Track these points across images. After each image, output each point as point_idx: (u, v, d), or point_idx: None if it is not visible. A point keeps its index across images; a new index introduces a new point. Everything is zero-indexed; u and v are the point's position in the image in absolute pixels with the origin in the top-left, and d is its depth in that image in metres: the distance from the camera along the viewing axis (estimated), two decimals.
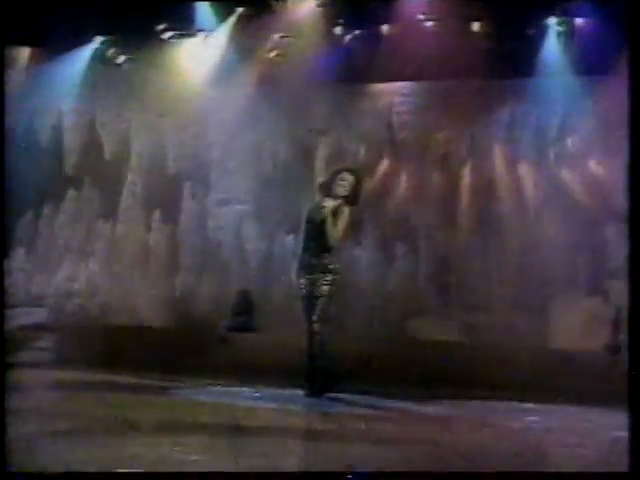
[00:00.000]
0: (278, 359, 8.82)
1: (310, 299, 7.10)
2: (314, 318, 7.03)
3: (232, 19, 11.19)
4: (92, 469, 3.62)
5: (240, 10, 11.09)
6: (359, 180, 7.52)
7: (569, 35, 10.41)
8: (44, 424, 5.10)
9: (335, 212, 7.23)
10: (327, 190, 7.40)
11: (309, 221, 7.35)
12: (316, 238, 7.20)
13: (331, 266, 7.10)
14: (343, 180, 7.38)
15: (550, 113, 11.08)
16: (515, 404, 7.45)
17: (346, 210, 7.34)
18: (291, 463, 4.14)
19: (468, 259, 11.16)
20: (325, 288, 7.00)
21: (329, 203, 7.25)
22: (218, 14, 11.19)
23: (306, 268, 7.14)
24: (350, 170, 7.67)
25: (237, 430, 5.25)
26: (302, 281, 7.17)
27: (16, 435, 4.27)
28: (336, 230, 7.18)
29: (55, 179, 12.10)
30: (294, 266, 7.53)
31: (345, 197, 7.37)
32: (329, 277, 7.02)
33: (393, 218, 11.50)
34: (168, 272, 11.90)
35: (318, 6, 10.84)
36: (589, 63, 10.17)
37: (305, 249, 7.33)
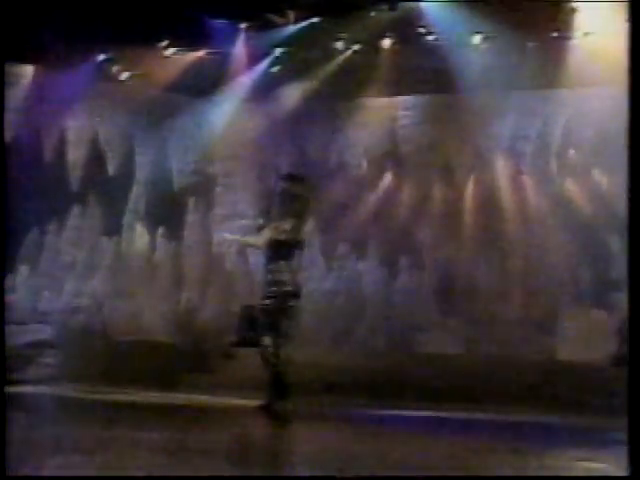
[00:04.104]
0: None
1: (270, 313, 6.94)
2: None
3: (235, 34, 11.24)
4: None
5: (243, 25, 11.14)
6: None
7: (569, 48, 10.43)
8: (46, 439, 5.10)
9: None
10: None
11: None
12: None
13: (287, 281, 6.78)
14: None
15: (552, 125, 11.10)
16: (519, 416, 7.43)
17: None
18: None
19: (472, 272, 11.15)
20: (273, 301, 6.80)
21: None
22: (221, 30, 11.23)
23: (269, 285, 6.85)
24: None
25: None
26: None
27: (17, 446, 4.28)
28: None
29: (60, 195, 12.12)
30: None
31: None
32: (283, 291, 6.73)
33: (396, 232, 11.51)
34: (172, 288, 11.91)
35: (320, 21, 10.88)
36: (589, 75, 10.19)
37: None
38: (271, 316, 6.88)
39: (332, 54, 11.17)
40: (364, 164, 11.78)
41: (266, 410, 6.78)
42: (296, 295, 6.86)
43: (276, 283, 6.80)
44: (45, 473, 3.80)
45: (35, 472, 3.78)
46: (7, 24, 9.39)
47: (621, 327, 9.37)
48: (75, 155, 12.08)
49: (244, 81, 11.44)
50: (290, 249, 6.79)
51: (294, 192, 6.92)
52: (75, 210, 12.19)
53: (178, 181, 12.15)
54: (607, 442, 5.98)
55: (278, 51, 11.32)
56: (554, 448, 5.52)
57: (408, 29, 10.78)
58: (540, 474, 4.24)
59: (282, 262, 6.79)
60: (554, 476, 4.17)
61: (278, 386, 6.85)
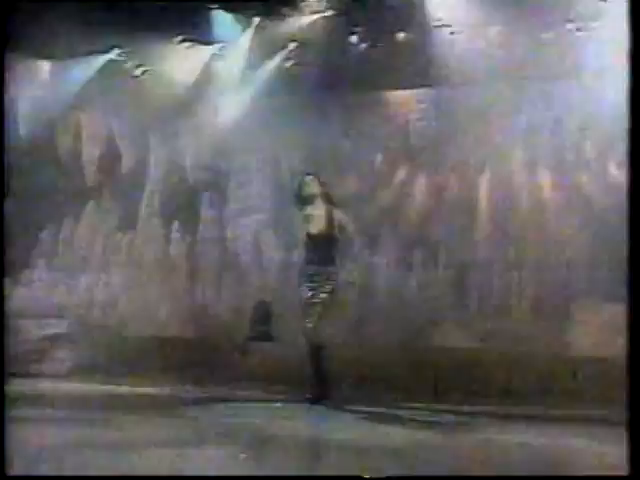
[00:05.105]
0: (297, 369, 8.80)
1: (310, 306, 7.18)
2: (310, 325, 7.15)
3: (248, 29, 11.23)
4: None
5: (256, 20, 11.13)
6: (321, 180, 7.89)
7: (584, 38, 10.34)
8: (60, 434, 5.12)
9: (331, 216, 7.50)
10: (302, 200, 7.61)
11: (312, 236, 7.40)
12: (321, 249, 7.30)
13: (333, 274, 7.21)
14: (308, 185, 7.78)
15: (568, 117, 11.01)
16: (534, 411, 7.39)
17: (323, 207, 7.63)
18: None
19: (486, 266, 11.08)
20: (324, 295, 7.08)
21: (315, 211, 7.46)
22: (235, 24, 11.23)
23: (309, 277, 7.23)
24: (309, 174, 8.08)
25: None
26: (303, 289, 7.24)
27: (24, 443, 4.29)
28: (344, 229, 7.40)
29: (75, 191, 12.18)
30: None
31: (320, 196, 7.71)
32: (330, 285, 7.11)
33: (411, 225, 11.46)
34: (187, 282, 11.93)
35: (334, 15, 10.85)
36: (604, 66, 10.09)
37: (309, 260, 7.42)
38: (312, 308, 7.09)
39: (346, 47, 11.13)
40: (378, 158, 11.72)
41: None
42: (334, 290, 7.16)
43: (320, 277, 7.07)
44: (55, 470, 3.80)
45: (44, 467, 3.77)
46: (21, 19, 9.43)
47: None
48: (90, 151, 12.15)
49: (258, 75, 11.43)
50: (331, 244, 7.19)
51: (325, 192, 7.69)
52: (90, 205, 12.24)
53: (192, 176, 12.16)
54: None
55: (292, 45, 11.30)
56: (567, 443, 5.48)
57: (423, 21, 10.72)
58: (545, 471, 4.21)
59: (327, 257, 7.12)
60: (554, 476, 4.12)
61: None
